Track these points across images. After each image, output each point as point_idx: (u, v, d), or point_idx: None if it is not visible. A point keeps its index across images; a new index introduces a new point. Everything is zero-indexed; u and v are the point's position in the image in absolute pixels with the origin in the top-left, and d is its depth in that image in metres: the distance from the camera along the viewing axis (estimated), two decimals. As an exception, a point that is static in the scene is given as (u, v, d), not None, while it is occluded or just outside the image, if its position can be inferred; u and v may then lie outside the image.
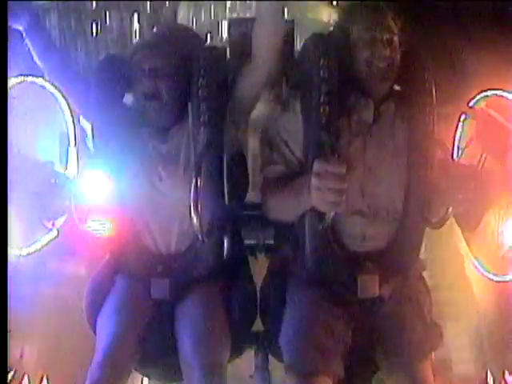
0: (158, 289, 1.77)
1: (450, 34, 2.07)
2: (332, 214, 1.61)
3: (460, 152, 2.03)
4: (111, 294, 1.81)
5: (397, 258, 1.74)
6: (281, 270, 1.83)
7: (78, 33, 2.58)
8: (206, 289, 1.78)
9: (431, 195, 1.69)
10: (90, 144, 1.77)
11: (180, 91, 1.72)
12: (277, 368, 1.82)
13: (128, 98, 1.80)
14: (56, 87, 2.00)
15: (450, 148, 1.97)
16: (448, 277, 2.19)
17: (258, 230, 2.25)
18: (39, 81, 1.99)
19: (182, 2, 2.82)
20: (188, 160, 1.73)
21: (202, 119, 1.68)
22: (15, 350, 2.34)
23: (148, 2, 2.85)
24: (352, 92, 1.69)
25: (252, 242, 2.29)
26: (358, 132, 1.68)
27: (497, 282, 1.98)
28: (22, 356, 2.27)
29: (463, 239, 2.07)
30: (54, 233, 2.07)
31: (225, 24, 2.73)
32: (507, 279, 1.95)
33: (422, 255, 1.85)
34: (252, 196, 1.89)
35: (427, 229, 1.77)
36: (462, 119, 2.04)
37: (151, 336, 1.75)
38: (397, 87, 1.74)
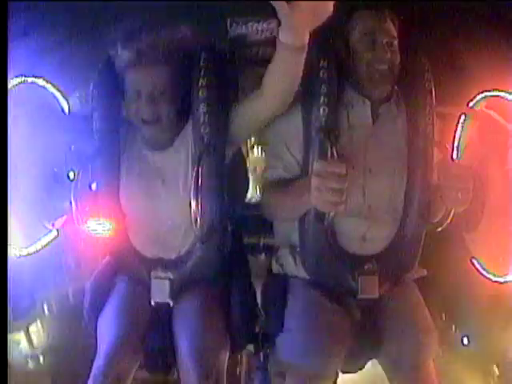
0: (158, 290, 1.77)
1: (449, 34, 2.07)
2: (332, 214, 1.62)
3: (460, 152, 2.03)
4: (112, 295, 1.81)
5: (397, 259, 1.75)
6: (281, 270, 1.84)
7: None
8: (205, 290, 1.78)
9: (431, 196, 1.69)
10: (89, 144, 1.77)
11: (181, 107, 1.69)
12: (277, 368, 1.82)
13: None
14: (57, 88, 2.00)
15: (450, 148, 1.97)
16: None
17: (258, 230, 2.25)
18: (40, 81, 1.99)
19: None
20: (189, 162, 1.73)
21: (202, 119, 1.68)
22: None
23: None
24: (352, 93, 1.70)
25: (252, 242, 2.29)
26: (358, 133, 1.69)
27: (497, 282, 1.99)
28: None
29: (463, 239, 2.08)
30: (54, 233, 2.07)
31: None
32: (507, 279, 1.95)
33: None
34: (252, 196, 1.89)
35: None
36: (461, 120, 2.04)
37: (152, 337, 1.74)
38: (397, 88, 1.74)
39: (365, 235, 1.71)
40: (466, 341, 2.34)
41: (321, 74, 1.64)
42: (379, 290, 1.72)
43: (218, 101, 1.70)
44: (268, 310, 1.82)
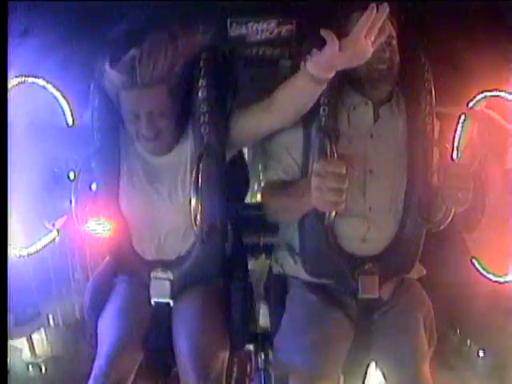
0: (158, 290, 1.77)
1: (449, 34, 2.07)
2: (332, 214, 1.62)
3: (460, 152, 2.03)
4: (112, 296, 1.81)
5: (397, 259, 1.74)
6: (281, 270, 1.84)
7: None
8: (205, 290, 1.78)
9: (431, 196, 1.69)
10: (89, 145, 1.77)
11: (182, 115, 1.67)
12: (277, 368, 1.81)
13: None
14: (57, 88, 2.00)
15: (450, 148, 1.97)
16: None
17: (258, 230, 2.25)
18: (40, 81, 1.99)
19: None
20: (188, 162, 1.72)
21: (202, 119, 1.68)
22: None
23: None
24: (352, 93, 1.70)
25: (252, 241, 2.29)
26: (358, 133, 1.69)
27: (497, 282, 1.99)
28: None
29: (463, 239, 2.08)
30: (54, 233, 2.07)
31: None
32: (507, 279, 1.95)
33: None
34: (252, 196, 1.89)
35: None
36: (461, 120, 2.04)
37: (152, 337, 1.74)
38: (397, 88, 1.74)
39: (365, 236, 1.71)
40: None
41: None
42: (379, 290, 1.71)
43: (217, 101, 1.70)
44: (268, 310, 1.82)
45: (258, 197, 1.84)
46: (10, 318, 2.15)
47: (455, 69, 2.09)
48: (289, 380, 1.64)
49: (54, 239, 2.09)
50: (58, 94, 2.02)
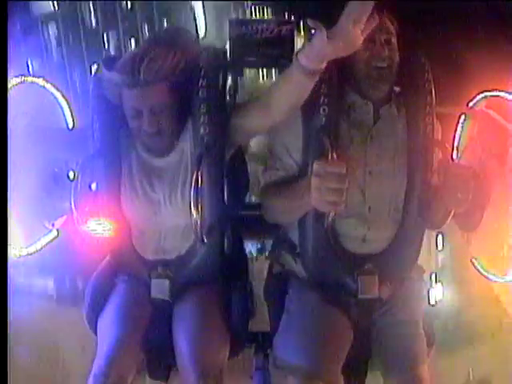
0: (158, 290, 1.77)
1: (449, 34, 2.07)
2: (332, 214, 1.61)
3: (460, 152, 2.03)
4: (112, 295, 1.80)
5: (397, 259, 1.74)
6: (281, 270, 1.84)
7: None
8: (205, 290, 1.78)
9: (431, 196, 1.69)
10: (89, 145, 1.76)
11: (182, 112, 1.68)
12: (277, 368, 1.82)
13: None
14: (56, 88, 2.00)
15: (450, 148, 1.97)
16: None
17: (258, 229, 2.25)
18: (40, 81, 1.99)
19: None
20: (188, 162, 1.72)
21: (202, 120, 1.68)
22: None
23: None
24: (352, 94, 1.70)
25: (252, 241, 2.29)
26: (358, 133, 1.68)
27: (497, 282, 1.99)
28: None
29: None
30: (54, 233, 2.07)
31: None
32: (507, 279, 1.95)
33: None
34: (252, 196, 1.89)
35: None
36: (461, 120, 2.04)
37: (152, 338, 1.74)
38: (397, 88, 1.74)
39: (365, 236, 1.71)
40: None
41: (321, 74, 1.64)
42: (379, 290, 1.71)
43: (217, 101, 1.70)
44: (268, 310, 1.82)
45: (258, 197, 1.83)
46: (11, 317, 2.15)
47: (455, 69, 2.09)
48: (288, 380, 1.64)
49: (54, 239, 2.09)
50: (57, 94, 2.03)
